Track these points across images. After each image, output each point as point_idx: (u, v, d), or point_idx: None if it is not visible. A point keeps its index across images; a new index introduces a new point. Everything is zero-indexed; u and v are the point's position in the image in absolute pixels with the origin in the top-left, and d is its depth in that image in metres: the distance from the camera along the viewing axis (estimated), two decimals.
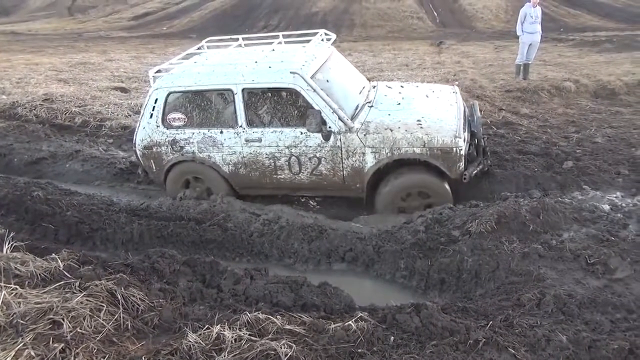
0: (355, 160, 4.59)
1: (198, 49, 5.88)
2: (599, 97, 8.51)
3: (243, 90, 4.65)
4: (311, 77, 4.58)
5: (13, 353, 2.45)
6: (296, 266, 4.22)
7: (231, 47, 5.87)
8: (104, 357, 2.57)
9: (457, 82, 9.40)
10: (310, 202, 5.34)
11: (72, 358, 2.50)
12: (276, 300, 3.28)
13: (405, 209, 4.73)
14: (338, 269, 4.15)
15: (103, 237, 4.61)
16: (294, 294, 3.35)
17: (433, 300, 3.50)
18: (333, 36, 5.80)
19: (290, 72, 4.52)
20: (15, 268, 3.17)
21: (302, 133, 4.62)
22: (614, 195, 4.60)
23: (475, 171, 4.67)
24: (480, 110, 7.63)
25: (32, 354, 2.46)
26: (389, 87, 5.53)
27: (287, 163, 4.76)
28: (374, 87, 5.49)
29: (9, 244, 3.48)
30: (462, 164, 4.46)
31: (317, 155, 4.65)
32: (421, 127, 4.49)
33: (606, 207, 4.24)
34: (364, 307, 3.30)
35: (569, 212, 4.07)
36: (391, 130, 4.49)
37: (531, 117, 7.54)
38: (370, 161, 4.56)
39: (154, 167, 5.24)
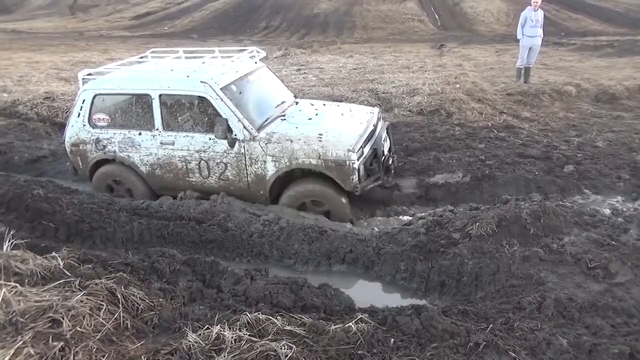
0: (258, 168, 4.82)
1: (141, 57, 6.20)
2: (600, 101, 8.53)
3: (160, 95, 4.93)
4: (222, 88, 4.85)
5: (12, 351, 2.44)
6: (296, 267, 4.22)
7: (168, 58, 6.14)
8: (103, 356, 2.56)
9: (458, 85, 9.42)
10: None
11: (72, 357, 2.50)
12: (276, 301, 3.27)
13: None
14: (338, 271, 4.14)
15: (103, 236, 4.60)
16: (294, 295, 3.34)
17: (433, 303, 3.51)
18: (263, 53, 6.13)
19: (201, 81, 4.80)
20: (15, 266, 3.16)
21: (210, 139, 4.85)
22: (615, 200, 4.61)
23: (370, 186, 4.81)
24: (481, 113, 7.67)
25: (32, 352, 2.45)
26: (311, 104, 5.80)
27: (197, 167, 5.02)
28: (296, 103, 5.75)
29: (9, 242, 3.47)
30: (355, 177, 4.59)
31: (224, 160, 4.90)
32: (320, 140, 4.68)
33: (607, 211, 4.24)
34: (364, 308, 3.30)
35: (569, 216, 4.07)
36: (291, 141, 4.69)
37: (532, 120, 7.55)
38: (271, 169, 4.79)
39: (80, 164, 5.50)
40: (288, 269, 4.21)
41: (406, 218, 4.87)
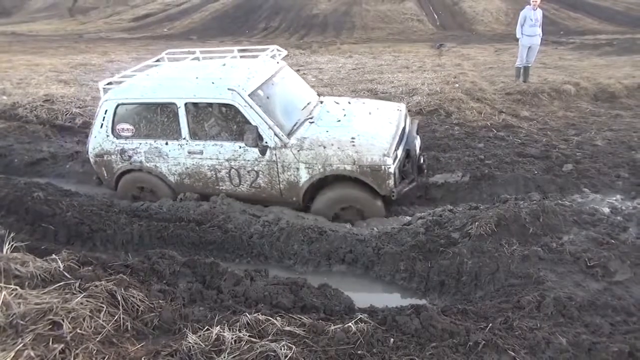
0: (290, 175, 4.73)
1: (157, 60, 6.06)
2: (599, 100, 8.52)
3: (186, 104, 4.81)
4: (250, 94, 4.73)
5: (13, 354, 2.45)
6: (296, 268, 4.22)
7: (186, 60, 6.02)
8: (103, 358, 2.57)
9: (457, 85, 9.42)
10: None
11: (72, 359, 2.50)
12: (276, 301, 3.28)
13: (340, 221, 4.81)
14: (338, 271, 4.15)
15: (103, 238, 4.61)
16: (294, 296, 3.35)
17: (433, 302, 3.52)
18: (284, 52, 5.97)
19: (228, 89, 4.67)
20: (15, 268, 3.16)
21: (240, 147, 4.75)
22: (614, 198, 4.60)
23: (406, 189, 4.76)
24: (480, 113, 7.68)
25: (32, 354, 2.46)
26: (337, 102, 5.66)
27: (227, 175, 4.92)
28: (320, 103, 5.61)
29: (9, 244, 3.48)
30: (391, 182, 4.54)
31: (255, 168, 4.80)
32: (353, 145, 4.60)
33: (606, 210, 4.24)
34: (364, 308, 3.30)
35: (568, 215, 4.07)
36: (324, 147, 4.62)
37: (531, 119, 7.55)
38: (304, 176, 4.69)
39: (105, 174, 5.41)
40: (288, 269, 4.22)
41: (406, 218, 4.87)
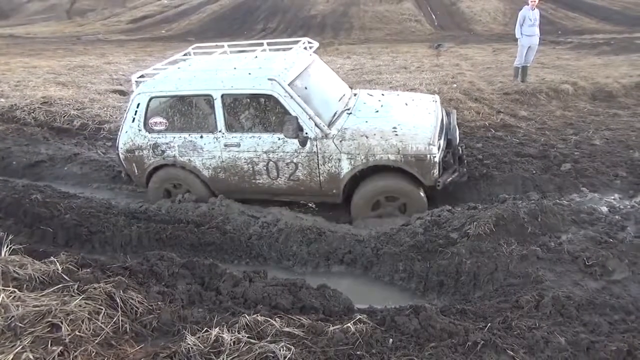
0: (332, 166, 4.65)
1: (184, 55, 5.95)
2: (597, 100, 8.53)
3: (222, 95, 4.71)
4: (289, 84, 4.63)
5: (11, 356, 2.45)
6: (295, 268, 4.22)
7: (215, 54, 5.92)
8: None
9: (455, 85, 9.43)
10: (309, 204, 5.34)
11: None
12: (275, 302, 3.28)
13: (381, 214, 4.76)
14: (337, 271, 4.15)
15: (102, 240, 4.60)
16: (293, 297, 3.34)
17: (432, 303, 3.52)
18: (316, 44, 5.86)
19: (268, 79, 4.57)
20: (14, 271, 3.16)
21: (279, 139, 4.66)
22: (612, 197, 4.60)
23: (450, 179, 4.70)
24: (478, 113, 7.69)
25: (31, 357, 2.46)
26: (370, 94, 5.59)
27: (265, 168, 4.81)
28: (354, 95, 5.54)
29: (7, 247, 3.48)
30: (436, 171, 4.49)
31: (294, 160, 4.70)
32: (396, 135, 4.54)
33: (604, 209, 4.24)
34: (363, 309, 3.30)
35: (567, 214, 4.07)
36: (367, 137, 4.54)
37: (529, 119, 7.55)
38: (346, 167, 4.61)
39: (136, 171, 5.29)
40: (287, 270, 4.22)
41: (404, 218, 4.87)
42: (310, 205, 5.31)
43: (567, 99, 8.54)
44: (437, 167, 4.49)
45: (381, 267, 4.01)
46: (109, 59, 15.21)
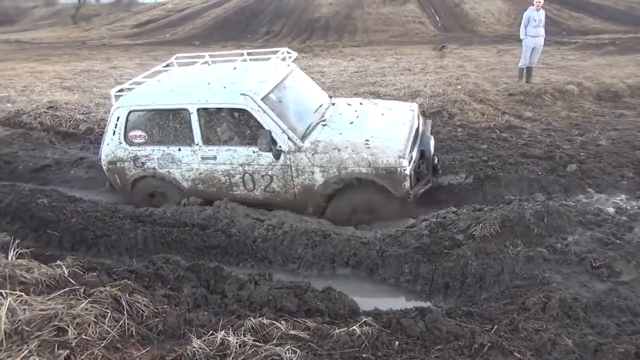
0: (305, 179, 4.70)
1: (166, 65, 6.04)
2: (602, 100, 8.50)
3: (198, 110, 4.79)
4: (262, 98, 4.70)
5: None
6: (300, 271, 4.22)
7: (196, 64, 5.98)
8: None
9: (460, 86, 9.41)
10: None
11: None
12: (280, 305, 3.27)
13: (355, 225, 4.77)
14: (342, 274, 4.14)
15: (107, 244, 4.62)
16: (298, 299, 3.34)
17: (437, 305, 3.50)
18: (294, 54, 5.94)
19: (241, 94, 4.64)
20: (21, 275, 3.18)
21: (254, 152, 4.73)
22: (619, 198, 4.58)
23: (422, 190, 4.73)
24: (483, 114, 7.67)
25: None
26: (349, 104, 5.64)
27: (241, 180, 4.89)
28: (332, 104, 5.58)
29: (14, 251, 3.49)
30: (407, 184, 4.52)
31: (269, 173, 4.77)
32: (368, 147, 4.57)
33: (611, 210, 4.22)
34: (369, 311, 3.29)
35: (573, 216, 4.05)
36: (338, 150, 4.58)
37: (534, 120, 7.53)
38: (319, 179, 4.66)
39: (118, 181, 5.39)
40: (292, 273, 4.21)
41: (410, 220, 4.86)
42: None
43: (572, 99, 8.51)
44: (409, 180, 4.51)
45: (386, 269, 4.00)
46: (114, 64, 15.30)
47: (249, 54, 5.93)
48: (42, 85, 11.52)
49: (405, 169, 4.45)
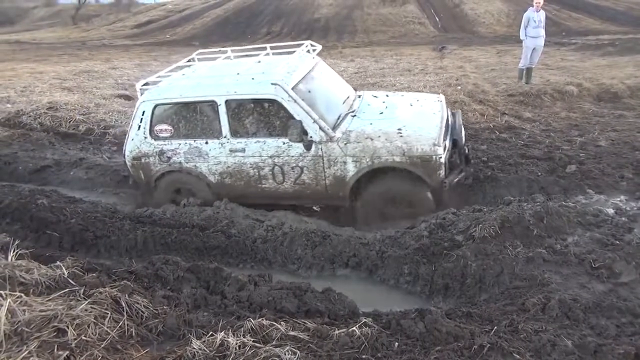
0: (337, 169, 4.63)
1: (188, 61, 5.99)
2: (602, 101, 8.50)
3: (226, 101, 4.72)
4: (292, 88, 4.64)
5: None
6: (300, 272, 4.22)
7: (219, 59, 5.93)
8: None
9: (459, 87, 9.42)
10: (313, 207, 5.34)
11: None
12: (280, 306, 3.27)
13: (387, 217, 4.72)
14: (342, 275, 4.15)
15: (107, 245, 4.62)
16: (298, 300, 3.34)
17: (437, 306, 3.50)
18: (319, 47, 5.86)
19: (271, 83, 4.59)
20: (20, 276, 3.18)
21: (284, 143, 4.66)
22: (618, 199, 4.58)
23: (457, 179, 4.68)
24: (483, 115, 7.67)
25: None
26: (375, 96, 5.59)
27: (270, 172, 4.81)
28: (359, 97, 5.54)
29: (13, 251, 3.49)
30: (442, 172, 4.47)
31: (300, 164, 4.69)
32: (401, 136, 4.52)
33: (610, 210, 4.22)
34: (368, 312, 3.29)
35: (573, 216, 4.05)
36: (371, 139, 4.53)
37: (534, 121, 7.53)
38: (351, 170, 4.59)
39: (143, 177, 5.31)
40: (292, 274, 4.21)
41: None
42: (314, 208, 5.31)
43: (571, 100, 8.51)
44: (443, 168, 4.47)
45: (386, 270, 4.00)
46: (114, 64, 15.30)
47: (271, 47, 5.87)
48: (42, 85, 11.52)
49: (441, 157, 4.40)
